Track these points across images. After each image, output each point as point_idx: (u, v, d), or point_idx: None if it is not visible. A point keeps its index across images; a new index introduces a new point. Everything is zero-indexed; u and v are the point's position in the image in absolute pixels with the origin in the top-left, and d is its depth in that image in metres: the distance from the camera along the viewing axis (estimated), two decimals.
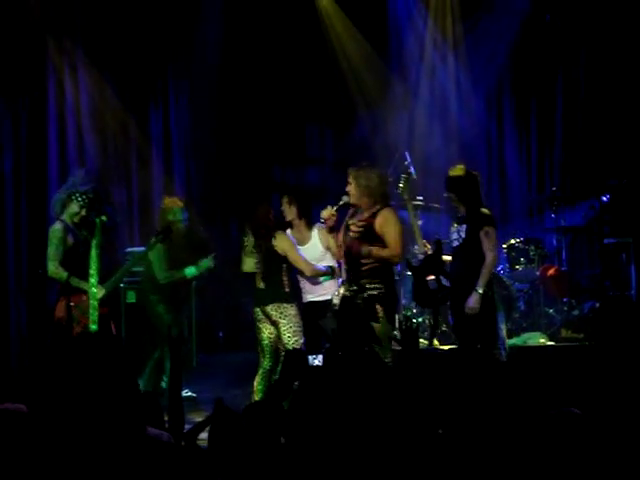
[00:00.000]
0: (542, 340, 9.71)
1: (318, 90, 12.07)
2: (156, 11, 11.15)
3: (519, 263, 10.45)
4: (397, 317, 10.10)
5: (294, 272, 7.89)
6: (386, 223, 7.15)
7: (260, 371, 7.75)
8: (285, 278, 7.71)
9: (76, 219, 7.97)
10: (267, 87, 11.98)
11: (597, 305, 9.94)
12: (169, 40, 11.37)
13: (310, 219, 7.96)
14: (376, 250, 7.13)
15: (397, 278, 10.06)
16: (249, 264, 7.84)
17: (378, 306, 7.05)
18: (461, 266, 7.69)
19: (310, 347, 7.67)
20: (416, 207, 10.12)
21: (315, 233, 7.93)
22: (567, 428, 3.83)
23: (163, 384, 8.50)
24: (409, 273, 8.70)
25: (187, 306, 9.32)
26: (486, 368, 6.95)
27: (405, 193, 8.32)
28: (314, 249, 7.90)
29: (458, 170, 7.77)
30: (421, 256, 8.03)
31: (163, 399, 6.59)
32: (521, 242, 10.51)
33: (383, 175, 7.44)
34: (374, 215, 7.18)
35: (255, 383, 7.73)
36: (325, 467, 3.86)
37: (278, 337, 7.68)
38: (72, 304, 7.62)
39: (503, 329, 8.16)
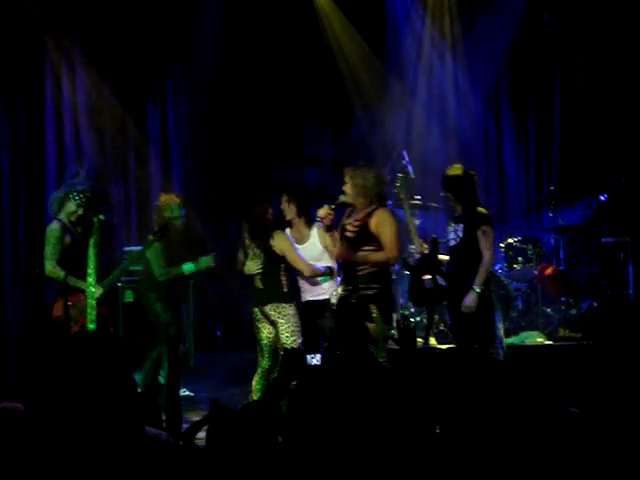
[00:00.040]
0: (540, 339, 9.73)
1: (316, 89, 12.06)
2: (155, 10, 11.14)
3: (517, 262, 10.46)
4: (394, 316, 10.15)
5: (293, 271, 7.89)
6: (382, 223, 7.13)
7: (259, 370, 7.75)
8: (284, 278, 7.71)
9: (73, 218, 7.96)
10: (265, 86, 11.97)
11: (595, 304, 9.95)
12: (167, 39, 11.36)
13: (309, 218, 7.94)
14: (371, 255, 7.11)
15: (394, 277, 10.08)
16: (250, 267, 7.81)
17: (373, 306, 7.04)
18: (458, 265, 7.70)
19: (308, 346, 7.67)
20: (414, 206, 10.15)
21: (314, 232, 7.92)
22: (565, 427, 3.83)
23: (161, 379, 8.49)
24: (406, 272, 8.70)
25: (185, 305, 9.32)
26: (483, 367, 6.96)
27: (402, 192, 8.33)
28: (313, 248, 7.90)
29: (455, 169, 7.78)
30: (418, 255, 8.03)
31: (161, 398, 6.60)
32: (519, 241, 10.52)
33: (379, 175, 7.42)
34: (369, 215, 7.17)
35: (253, 382, 7.73)
36: (323, 466, 3.86)
37: (277, 337, 7.68)
38: (70, 303, 7.61)
39: (500, 328, 8.18)
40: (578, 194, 11.06)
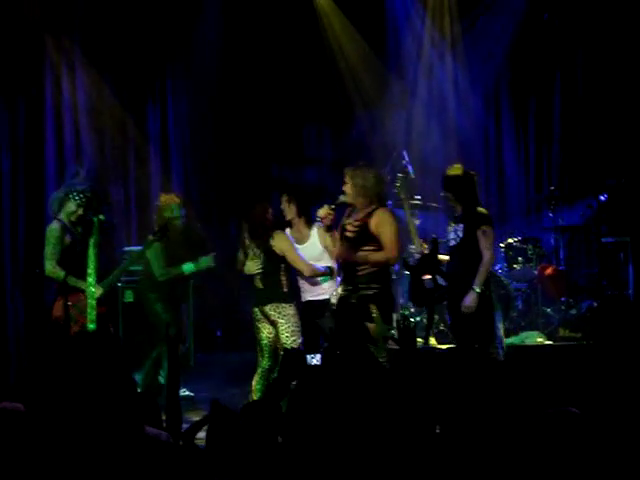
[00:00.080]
0: (540, 339, 9.72)
1: (316, 89, 12.06)
2: (155, 10, 11.14)
3: (517, 262, 10.46)
4: (394, 316, 10.15)
5: (293, 271, 7.88)
6: (381, 223, 7.12)
7: (259, 370, 7.74)
8: (284, 278, 7.69)
9: (73, 218, 7.96)
10: (265, 86, 11.97)
11: (595, 304, 9.95)
12: (167, 39, 11.36)
13: (309, 218, 7.94)
14: (371, 255, 7.10)
15: (395, 277, 10.08)
16: (250, 267, 7.81)
17: (372, 306, 7.03)
18: (458, 265, 7.70)
19: (308, 346, 7.67)
20: (414, 206, 10.15)
21: (314, 232, 7.91)
22: (565, 427, 3.83)
23: (161, 379, 8.49)
24: (407, 272, 8.69)
25: (185, 305, 9.31)
26: (483, 367, 6.96)
27: (402, 192, 8.33)
28: (313, 248, 7.89)
29: (455, 170, 7.78)
30: (418, 255, 8.03)
31: (161, 398, 6.60)
32: (519, 241, 10.52)
33: (379, 175, 7.41)
34: (369, 215, 7.16)
35: (253, 382, 7.72)
36: (322, 467, 3.86)
37: (277, 337, 7.68)
38: (70, 303, 7.61)
39: (500, 328, 8.18)
40: (578, 194, 11.06)
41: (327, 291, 7.74)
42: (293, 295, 7.84)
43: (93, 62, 10.78)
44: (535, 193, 12.07)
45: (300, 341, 7.63)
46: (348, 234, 7.22)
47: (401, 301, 10.03)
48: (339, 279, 7.50)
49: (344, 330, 7.12)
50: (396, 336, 6.36)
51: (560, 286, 10.38)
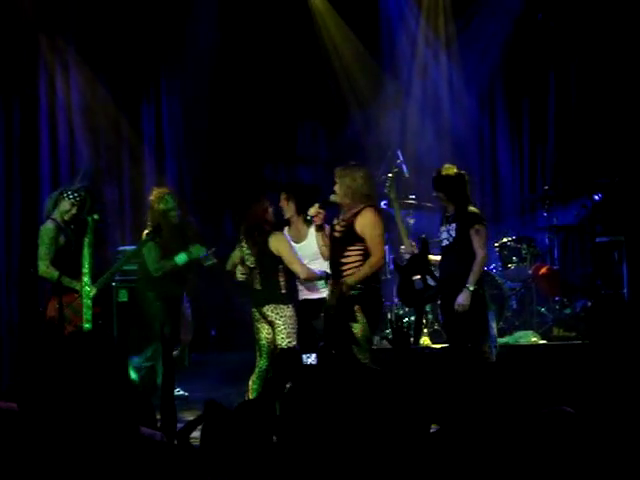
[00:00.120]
0: (534, 339, 9.73)
1: (310, 89, 12.07)
2: (149, 10, 11.14)
3: (511, 262, 10.47)
4: (388, 316, 10.16)
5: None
6: (366, 224, 7.08)
7: (256, 370, 7.71)
8: (282, 279, 7.62)
9: (67, 217, 7.95)
10: (260, 86, 11.97)
11: (589, 304, 9.97)
12: (162, 39, 11.35)
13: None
14: (359, 274, 7.04)
15: (389, 277, 10.09)
16: (235, 256, 7.79)
17: (357, 306, 7.02)
18: (452, 264, 7.70)
19: (304, 346, 7.64)
20: (409, 206, 10.17)
21: (312, 230, 7.84)
22: (559, 427, 3.84)
23: (159, 380, 8.48)
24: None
25: (189, 304, 9.25)
26: (474, 367, 6.97)
27: (392, 192, 8.31)
28: (309, 247, 7.86)
29: (446, 169, 7.79)
30: (407, 256, 8.02)
31: (155, 398, 6.58)
32: (513, 241, 10.53)
33: (369, 175, 7.37)
34: (355, 215, 7.13)
35: (250, 382, 7.69)
36: (317, 466, 3.86)
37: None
38: (64, 304, 7.58)
39: (494, 327, 8.18)
40: (572, 193, 11.07)
41: (324, 290, 7.72)
42: (291, 296, 7.80)
43: (87, 62, 10.77)
44: (529, 193, 12.09)
45: (295, 343, 7.60)
46: (336, 234, 7.21)
47: (395, 301, 10.03)
48: None
49: (331, 330, 7.13)
50: (390, 336, 6.36)
51: (554, 285, 10.40)
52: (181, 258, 8.57)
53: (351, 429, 4.00)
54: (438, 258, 7.90)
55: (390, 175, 8.57)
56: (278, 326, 7.54)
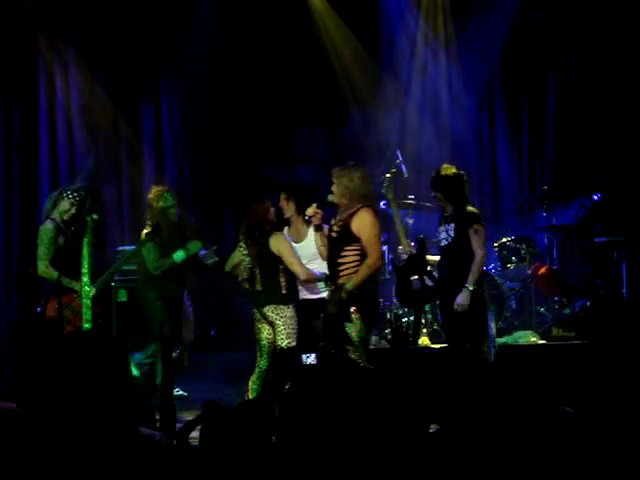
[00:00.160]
0: (533, 339, 9.73)
1: (310, 89, 12.07)
2: (148, 10, 11.14)
3: (510, 262, 10.47)
4: (388, 316, 10.16)
5: None
6: (362, 224, 7.07)
7: (256, 370, 7.70)
8: (282, 280, 7.60)
9: (66, 217, 7.95)
10: (259, 86, 11.97)
11: (588, 304, 9.97)
12: (161, 39, 11.35)
13: None
14: (357, 277, 7.03)
15: (388, 277, 10.09)
16: (235, 257, 7.78)
17: (352, 307, 7.01)
18: (451, 264, 7.70)
19: (303, 346, 7.64)
20: (408, 206, 10.16)
21: (312, 231, 7.81)
22: (559, 427, 3.84)
23: (158, 380, 8.48)
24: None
25: (190, 302, 9.24)
26: (473, 367, 6.97)
27: (389, 192, 8.30)
28: (308, 247, 7.85)
29: (444, 169, 7.79)
30: (405, 256, 8.02)
31: (154, 398, 6.59)
32: (512, 241, 10.53)
33: (367, 175, 7.36)
34: (352, 215, 7.12)
35: (250, 382, 7.67)
36: (316, 466, 3.86)
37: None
38: (63, 304, 7.58)
39: (493, 327, 8.19)
40: (571, 193, 11.07)
41: (323, 291, 7.72)
42: (292, 297, 7.79)
43: (87, 62, 10.77)
44: (528, 193, 12.09)
45: (295, 344, 7.59)
46: (333, 234, 7.22)
47: (394, 300, 10.03)
48: None
49: (329, 331, 7.13)
50: (389, 336, 6.37)
51: (554, 285, 10.40)
52: (179, 255, 8.57)
53: (350, 429, 4.00)
54: (437, 258, 7.90)
55: (388, 175, 8.56)
56: (278, 326, 7.52)
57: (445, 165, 7.85)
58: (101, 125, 10.99)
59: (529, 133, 12.27)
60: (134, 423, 4.07)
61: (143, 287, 8.80)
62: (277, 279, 7.56)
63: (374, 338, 9.28)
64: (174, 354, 8.48)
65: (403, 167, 10.04)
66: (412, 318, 9.84)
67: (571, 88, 11.90)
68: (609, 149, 11.13)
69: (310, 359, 7.20)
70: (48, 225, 7.92)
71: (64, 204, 7.94)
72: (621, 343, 8.89)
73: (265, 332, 7.62)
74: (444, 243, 7.77)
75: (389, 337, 8.38)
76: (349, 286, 6.98)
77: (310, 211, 7.36)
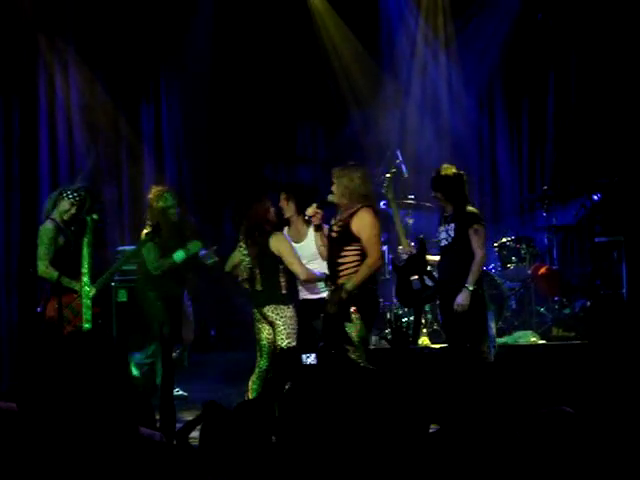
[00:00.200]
0: (533, 339, 9.73)
1: (310, 89, 12.07)
2: (148, 10, 11.14)
3: (510, 262, 10.47)
4: (388, 316, 10.16)
5: None
6: (362, 224, 7.07)
7: (256, 370, 7.69)
8: (282, 280, 7.59)
9: (66, 217, 7.95)
10: (259, 86, 11.97)
11: (588, 304, 9.97)
12: (161, 39, 11.35)
13: None
14: (357, 277, 7.03)
15: (388, 277, 10.09)
16: (235, 257, 7.78)
17: (352, 307, 7.01)
18: (451, 264, 7.70)
19: (303, 346, 7.63)
20: (408, 206, 10.16)
21: (312, 230, 7.81)
22: (559, 427, 3.84)
23: (158, 380, 8.48)
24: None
25: (190, 302, 9.24)
26: (473, 367, 6.97)
27: (389, 192, 8.30)
28: (308, 247, 7.85)
29: (444, 169, 7.79)
30: (405, 256, 8.02)
31: (154, 398, 6.59)
32: (512, 241, 10.53)
33: (367, 175, 7.36)
34: (351, 215, 7.12)
35: (250, 382, 7.66)
36: (316, 466, 3.86)
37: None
38: (63, 304, 7.58)
39: (493, 327, 8.19)
40: (571, 193, 11.07)
41: (323, 291, 7.71)
42: (292, 297, 7.79)
43: (87, 62, 10.77)
44: (528, 192, 12.09)
45: (295, 344, 7.58)
46: (333, 234, 7.22)
47: (395, 301, 10.02)
48: None
49: (329, 332, 7.13)
50: (389, 336, 6.37)
51: (554, 285, 10.40)
52: (179, 255, 8.57)
53: (350, 429, 4.00)
54: (437, 258, 7.90)
55: (388, 175, 8.56)
56: (278, 326, 7.52)
57: (445, 165, 7.85)
58: (101, 125, 10.99)
59: (529, 133, 12.27)
60: (134, 423, 4.07)
61: (143, 287, 8.80)
62: (277, 279, 7.55)
63: (374, 338, 9.28)
64: (174, 354, 8.47)
65: (403, 167, 10.04)
66: (412, 318, 9.84)
67: (571, 88, 11.90)
68: (609, 149, 11.13)
69: (310, 359, 7.20)
70: (48, 225, 7.92)
71: (64, 204, 7.94)
72: (621, 343, 8.89)
73: (265, 332, 7.61)
74: (444, 243, 7.77)
75: (389, 337, 8.38)
76: (349, 286, 6.98)
77: (310, 211, 7.36)
